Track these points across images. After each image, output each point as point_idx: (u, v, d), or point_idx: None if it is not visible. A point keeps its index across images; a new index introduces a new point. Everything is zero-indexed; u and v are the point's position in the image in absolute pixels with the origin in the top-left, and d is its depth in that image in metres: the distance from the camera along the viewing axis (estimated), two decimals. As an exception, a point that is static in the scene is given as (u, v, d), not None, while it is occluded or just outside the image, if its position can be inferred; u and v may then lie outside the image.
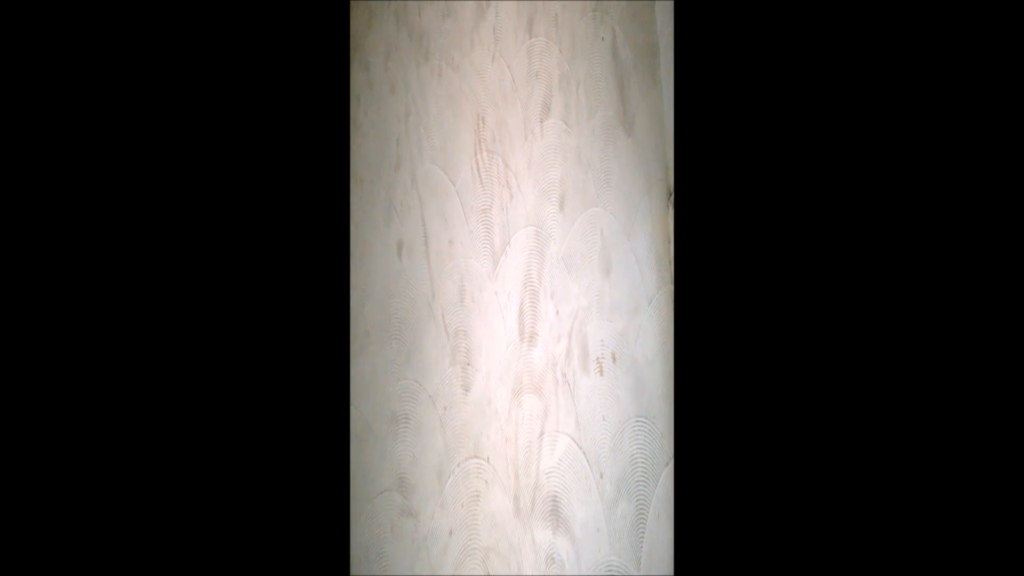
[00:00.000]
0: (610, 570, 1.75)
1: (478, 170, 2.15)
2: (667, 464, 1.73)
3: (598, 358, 1.85)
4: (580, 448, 1.84)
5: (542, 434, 1.91)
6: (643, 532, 1.73)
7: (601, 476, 1.80)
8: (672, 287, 1.78)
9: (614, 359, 1.82)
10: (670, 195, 1.81)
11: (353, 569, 2.25)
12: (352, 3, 2.54)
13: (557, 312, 1.92)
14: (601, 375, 1.84)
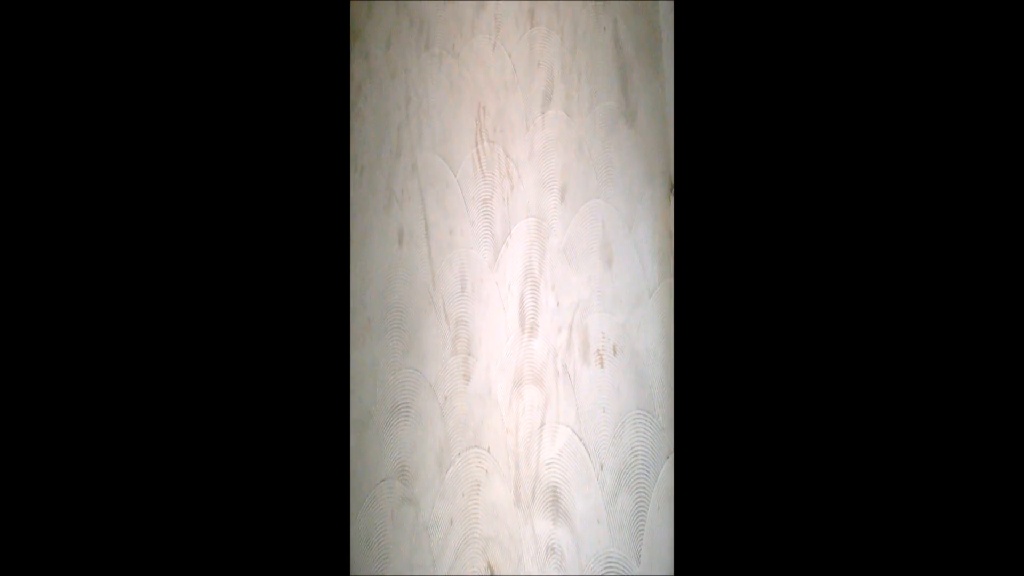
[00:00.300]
0: (610, 562, 1.73)
1: (479, 160, 2.12)
2: (668, 457, 1.71)
3: (599, 350, 1.82)
4: (580, 440, 1.82)
5: (543, 425, 1.89)
6: (643, 525, 1.71)
7: (601, 468, 1.78)
8: (673, 279, 1.76)
9: (615, 351, 1.80)
10: (672, 187, 1.79)
11: (354, 557, 2.24)
12: (353, -9, 2.51)
13: (558, 303, 1.90)
14: (602, 367, 1.81)
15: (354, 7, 2.51)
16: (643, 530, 1.70)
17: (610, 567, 1.73)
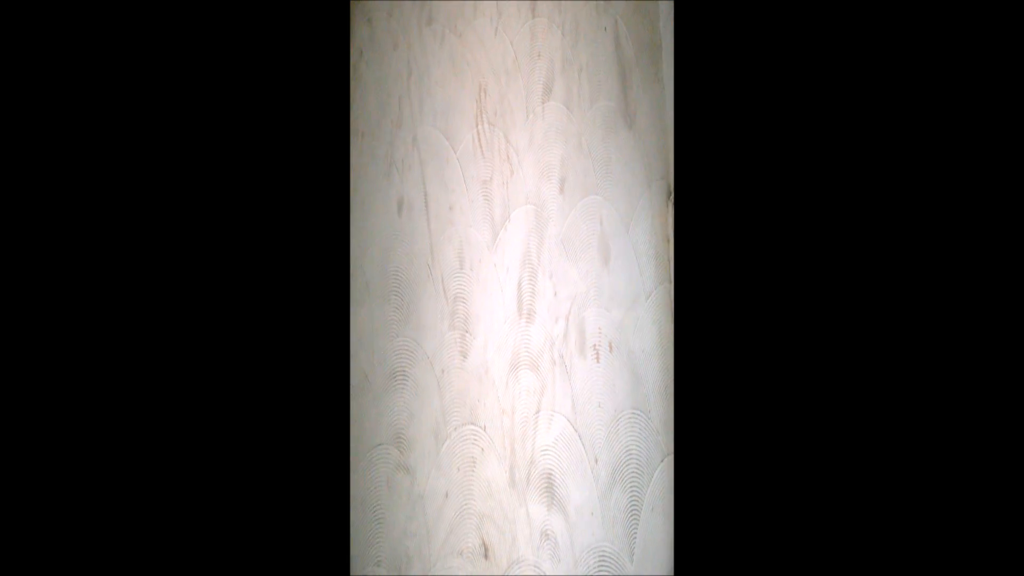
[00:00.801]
0: (603, 557, 1.73)
1: (479, 140, 2.07)
2: (663, 460, 1.69)
3: (595, 345, 1.80)
4: (576, 431, 1.80)
5: (538, 411, 1.87)
6: (637, 524, 1.70)
7: (596, 461, 1.76)
8: (671, 284, 1.72)
9: (611, 348, 1.77)
10: (670, 193, 1.74)
11: (351, 518, 2.24)
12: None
13: (556, 293, 1.86)
14: (598, 362, 1.79)
15: (355, -21, 2.42)
16: (636, 529, 1.70)
17: (603, 562, 1.73)
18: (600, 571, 1.73)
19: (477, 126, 2.08)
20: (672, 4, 1.76)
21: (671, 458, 1.69)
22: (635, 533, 1.69)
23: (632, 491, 1.71)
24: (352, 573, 2.19)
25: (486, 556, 1.93)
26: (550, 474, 1.83)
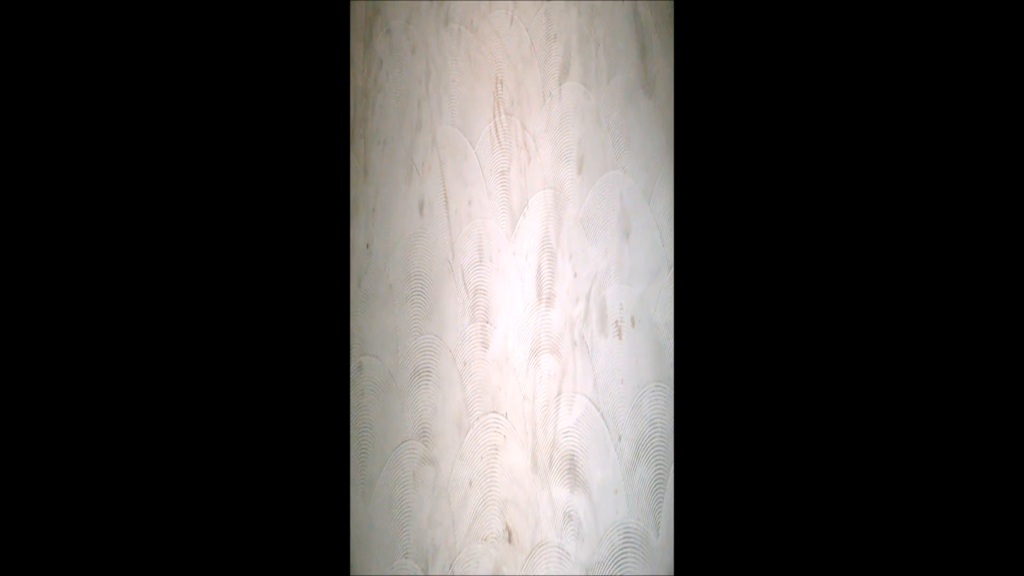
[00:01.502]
0: (628, 533, 1.59)
1: (496, 132, 1.97)
2: (687, 430, 1.55)
3: (616, 321, 1.67)
4: (598, 410, 1.67)
5: (559, 394, 1.75)
6: (662, 498, 1.56)
7: (619, 439, 1.63)
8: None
9: (633, 323, 1.65)
10: (692, 160, 1.62)
11: (376, 514, 2.13)
12: (373, -34, 2.34)
13: (575, 274, 1.74)
14: (620, 338, 1.66)
15: (374, -18, 2.34)
16: (662, 503, 1.56)
17: (628, 538, 1.59)
18: (625, 547, 1.59)
19: (494, 118, 1.98)
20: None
21: (697, 428, 1.55)
22: (660, 508, 1.56)
23: (657, 465, 1.58)
24: (382, 566, 2.07)
25: (509, 540, 1.80)
26: (572, 455, 1.70)
